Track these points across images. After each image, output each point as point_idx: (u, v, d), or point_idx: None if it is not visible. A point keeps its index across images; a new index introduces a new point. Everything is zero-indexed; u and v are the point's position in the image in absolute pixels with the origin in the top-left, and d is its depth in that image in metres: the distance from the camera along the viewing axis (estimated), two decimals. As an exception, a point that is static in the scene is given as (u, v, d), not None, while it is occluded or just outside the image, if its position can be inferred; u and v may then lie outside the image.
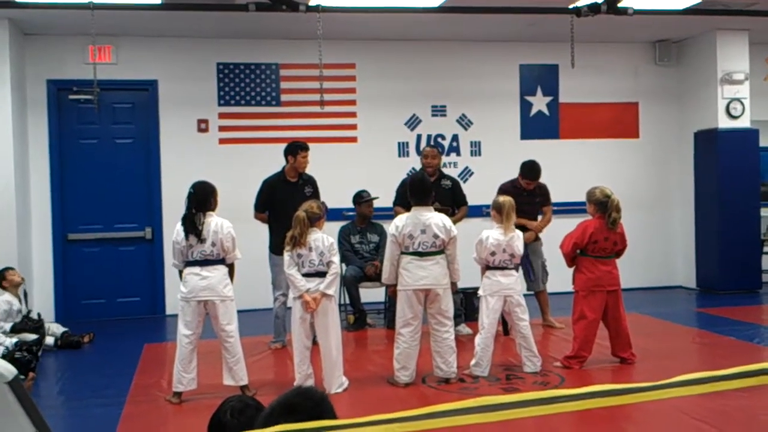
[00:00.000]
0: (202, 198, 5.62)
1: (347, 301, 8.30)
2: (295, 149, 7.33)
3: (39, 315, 7.66)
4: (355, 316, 8.24)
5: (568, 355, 6.31)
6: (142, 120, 9.39)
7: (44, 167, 9.03)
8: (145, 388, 6.00)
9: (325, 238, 5.76)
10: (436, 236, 5.78)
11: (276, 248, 7.30)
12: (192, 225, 5.54)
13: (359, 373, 6.36)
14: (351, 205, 8.61)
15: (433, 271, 5.79)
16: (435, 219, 5.84)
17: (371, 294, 8.55)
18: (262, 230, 7.49)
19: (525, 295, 6.37)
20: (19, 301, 7.53)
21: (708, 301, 9.70)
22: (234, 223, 5.72)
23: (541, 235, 7.89)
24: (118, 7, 7.35)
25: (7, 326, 7.21)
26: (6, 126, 8.26)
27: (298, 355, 5.76)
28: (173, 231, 5.71)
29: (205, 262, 5.57)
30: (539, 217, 7.94)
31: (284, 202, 7.27)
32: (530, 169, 7.76)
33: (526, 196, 7.69)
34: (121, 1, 7.32)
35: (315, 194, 7.50)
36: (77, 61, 8.89)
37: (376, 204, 8.51)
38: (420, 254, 5.79)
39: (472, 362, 6.09)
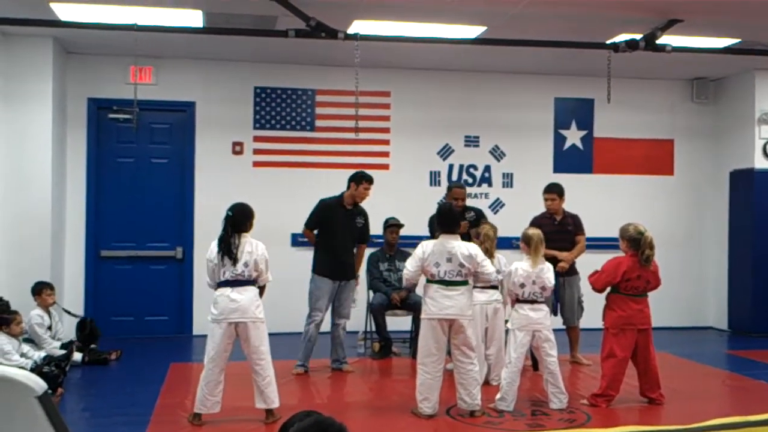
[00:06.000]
0: (239, 221, 5.67)
1: (373, 329, 8.28)
2: (360, 179, 7.45)
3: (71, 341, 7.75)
4: (381, 345, 8.21)
5: (596, 393, 6.21)
6: (179, 141, 9.51)
7: (81, 183, 9.17)
8: (170, 408, 6.01)
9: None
10: (461, 265, 5.77)
11: (321, 269, 7.35)
12: (227, 247, 5.58)
13: (382, 402, 6.34)
14: (379, 232, 8.57)
15: (458, 301, 5.77)
16: (461, 248, 5.82)
17: (397, 322, 8.51)
18: (295, 253, 7.49)
19: (554, 330, 6.30)
20: (50, 316, 7.61)
21: (740, 343, 9.52)
22: (265, 246, 5.74)
23: (579, 268, 7.79)
24: (161, 30, 7.48)
25: (48, 339, 7.32)
26: (46, 141, 8.42)
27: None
28: (204, 251, 5.74)
29: (236, 283, 5.58)
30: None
31: (336, 227, 7.37)
32: (551, 184, 7.92)
33: (557, 226, 7.66)
34: (163, 23, 7.45)
35: (366, 226, 7.57)
36: (118, 81, 9.05)
37: (406, 232, 8.51)
38: (446, 283, 5.78)
39: (498, 396, 6.02)
